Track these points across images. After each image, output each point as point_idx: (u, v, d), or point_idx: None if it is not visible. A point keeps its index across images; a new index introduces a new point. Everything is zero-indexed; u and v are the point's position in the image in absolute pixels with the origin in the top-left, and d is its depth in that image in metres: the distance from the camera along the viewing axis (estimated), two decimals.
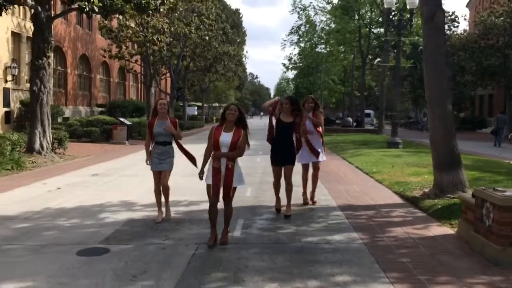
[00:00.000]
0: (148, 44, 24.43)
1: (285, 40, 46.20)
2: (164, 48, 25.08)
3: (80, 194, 8.68)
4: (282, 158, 6.91)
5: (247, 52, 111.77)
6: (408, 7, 18.09)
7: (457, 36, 39.73)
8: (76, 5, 12.13)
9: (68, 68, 27.39)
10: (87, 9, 11.39)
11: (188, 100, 44.48)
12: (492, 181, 9.06)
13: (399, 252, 5.11)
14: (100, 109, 30.77)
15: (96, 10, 11.41)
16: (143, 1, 11.87)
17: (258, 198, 8.29)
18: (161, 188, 6.63)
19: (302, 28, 35.60)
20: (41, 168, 12.51)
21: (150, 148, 6.60)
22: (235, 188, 5.48)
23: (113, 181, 10.33)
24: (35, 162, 13.19)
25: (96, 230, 6.07)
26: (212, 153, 5.38)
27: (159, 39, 23.74)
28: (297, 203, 7.65)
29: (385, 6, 18.51)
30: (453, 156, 7.61)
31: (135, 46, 28.39)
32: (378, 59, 36.79)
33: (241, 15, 61.07)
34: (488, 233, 4.83)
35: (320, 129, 7.62)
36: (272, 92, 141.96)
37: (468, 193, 6.32)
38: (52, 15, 14.15)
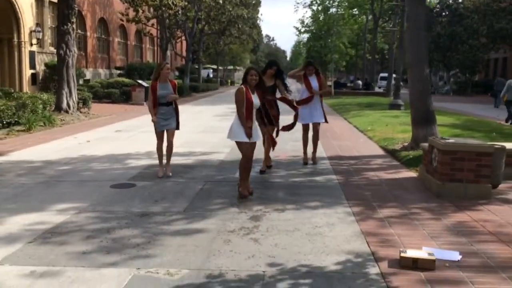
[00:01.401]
0: (164, 8, 25.37)
1: (298, 3, 46.30)
2: (179, 12, 26.01)
3: (107, 146, 10.09)
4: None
5: (262, 14, 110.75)
6: None
7: None
8: None
9: (87, 32, 28.56)
10: None
11: (203, 63, 45.41)
12: (469, 137, 10.15)
13: (364, 188, 6.40)
14: (118, 71, 32.04)
15: None
16: None
17: (259, 150, 9.53)
18: (163, 146, 7.09)
19: None
20: (69, 125, 13.97)
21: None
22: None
23: (134, 136, 11.72)
24: (63, 119, 14.64)
25: (123, 172, 7.47)
26: (245, 113, 5.67)
27: (174, 3, 24.64)
28: (291, 155, 8.92)
29: None
30: (428, 114, 8.75)
31: (151, 9, 29.30)
32: (387, 20, 37.03)
33: None
34: (434, 172, 6.07)
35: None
36: (288, 55, 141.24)
37: None
38: None
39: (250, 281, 3.54)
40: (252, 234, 4.57)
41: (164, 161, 7.24)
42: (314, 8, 36.33)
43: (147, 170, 7.64)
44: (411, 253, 3.77)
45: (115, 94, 22.74)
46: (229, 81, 57.15)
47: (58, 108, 15.38)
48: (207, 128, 13.36)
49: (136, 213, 5.26)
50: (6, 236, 4.49)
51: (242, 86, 5.80)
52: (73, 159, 8.51)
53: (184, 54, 36.63)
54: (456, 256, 3.90)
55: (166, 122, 7.03)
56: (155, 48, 42.19)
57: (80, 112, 16.47)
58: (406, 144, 9.34)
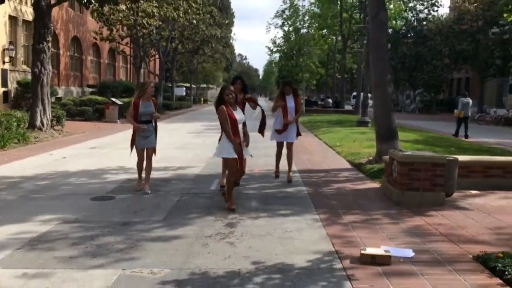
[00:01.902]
0: (138, 27, 25.73)
1: (270, 24, 47.23)
2: (154, 32, 26.41)
3: (83, 162, 10.29)
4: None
5: (234, 34, 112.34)
6: None
7: (434, 19, 41.20)
8: None
9: (60, 50, 28.58)
10: (85, 0, 12.77)
11: (176, 81, 45.75)
12: (428, 151, 10.83)
13: (332, 198, 6.88)
14: (91, 89, 32.03)
15: (93, 1, 12.78)
16: None
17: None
18: (144, 163, 7.31)
19: (287, 12, 37.04)
20: (43, 142, 14.05)
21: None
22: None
23: (109, 153, 11.94)
24: (37, 137, 14.70)
25: (102, 186, 7.73)
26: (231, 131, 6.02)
27: (149, 22, 25.06)
28: (264, 169, 9.36)
29: None
30: (391, 130, 9.37)
31: (125, 28, 29.59)
32: (355, 41, 38.35)
33: None
34: (394, 182, 6.60)
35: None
36: (261, 74, 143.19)
37: None
38: (52, 3, 15.51)
39: (228, 277, 3.92)
40: (228, 238, 4.96)
41: (143, 175, 7.50)
42: (286, 29, 37.42)
43: (125, 184, 7.93)
44: (370, 250, 4.23)
45: (88, 112, 22.81)
46: (202, 99, 57.54)
47: (32, 125, 15.43)
48: (182, 145, 13.69)
49: (117, 222, 5.57)
50: None
51: (222, 106, 6.09)
52: (51, 174, 8.71)
53: (157, 72, 36.91)
54: (409, 253, 4.38)
55: (146, 140, 7.21)
56: (128, 66, 42.33)
57: (54, 129, 16.54)
58: (371, 158, 9.92)
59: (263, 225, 5.46)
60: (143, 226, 5.41)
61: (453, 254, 4.47)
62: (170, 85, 42.31)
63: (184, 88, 56.81)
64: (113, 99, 24.11)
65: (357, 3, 34.17)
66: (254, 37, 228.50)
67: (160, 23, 27.54)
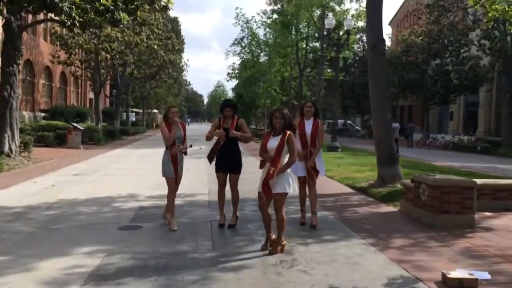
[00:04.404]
0: (101, 52, 25.10)
1: (228, 51, 46.79)
2: (117, 56, 25.86)
3: (78, 190, 9.78)
4: (226, 165, 6.70)
5: (188, 60, 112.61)
6: (345, 28, 20.56)
7: None
8: (57, 18, 13.00)
9: None
10: (69, 23, 12.32)
11: (131, 106, 44.87)
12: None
13: (361, 222, 6.99)
14: (43, 114, 30.64)
15: (77, 24, 12.37)
16: (117, 17, 13.05)
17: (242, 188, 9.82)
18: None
19: (245, 40, 37.62)
20: (17, 170, 13.20)
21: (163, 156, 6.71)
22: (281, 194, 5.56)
23: (97, 180, 11.43)
24: (8, 164, 13.80)
25: (118, 215, 7.38)
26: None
27: (112, 47, 24.52)
28: None
29: (326, 26, 20.90)
30: (391, 154, 9.71)
31: (83, 53, 28.76)
32: (311, 70, 39.57)
33: (179, 23, 62.06)
34: (423, 205, 6.83)
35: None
36: (205, 99, 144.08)
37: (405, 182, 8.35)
38: (23, 25, 14.86)
39: None
40: (296, 266, 4.89)
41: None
42: (244, 56, 37.92)
43: (141, 212, 7.63)
44: (455, 274, 4.34)
45: (49, 137, 21.74)
46: (155, 124, 56.59)
47: (0, 152, 14.48)
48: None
49: (167, 252, 5.33)
50: (52, 281, 4.38)
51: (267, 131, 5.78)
52: (54, 203, 8.20)
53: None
54: (486, 275, 4.53)
55: (179, 168, 6.75)
56: (79, 90, 41.04)
57: (22, 156, 15.61)
58: (371, 182, 10.19)
59: (319, 251, 5.44)
60: (198, 255, 5.21)
61: None
62: (124, 110, 41.36)
63: (134, 113, 55.73)
64: (75, 124, 23.20)
65: (314, 33, 35.44)
66: (194, 63, 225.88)
67: (123, 48, 27.05)
